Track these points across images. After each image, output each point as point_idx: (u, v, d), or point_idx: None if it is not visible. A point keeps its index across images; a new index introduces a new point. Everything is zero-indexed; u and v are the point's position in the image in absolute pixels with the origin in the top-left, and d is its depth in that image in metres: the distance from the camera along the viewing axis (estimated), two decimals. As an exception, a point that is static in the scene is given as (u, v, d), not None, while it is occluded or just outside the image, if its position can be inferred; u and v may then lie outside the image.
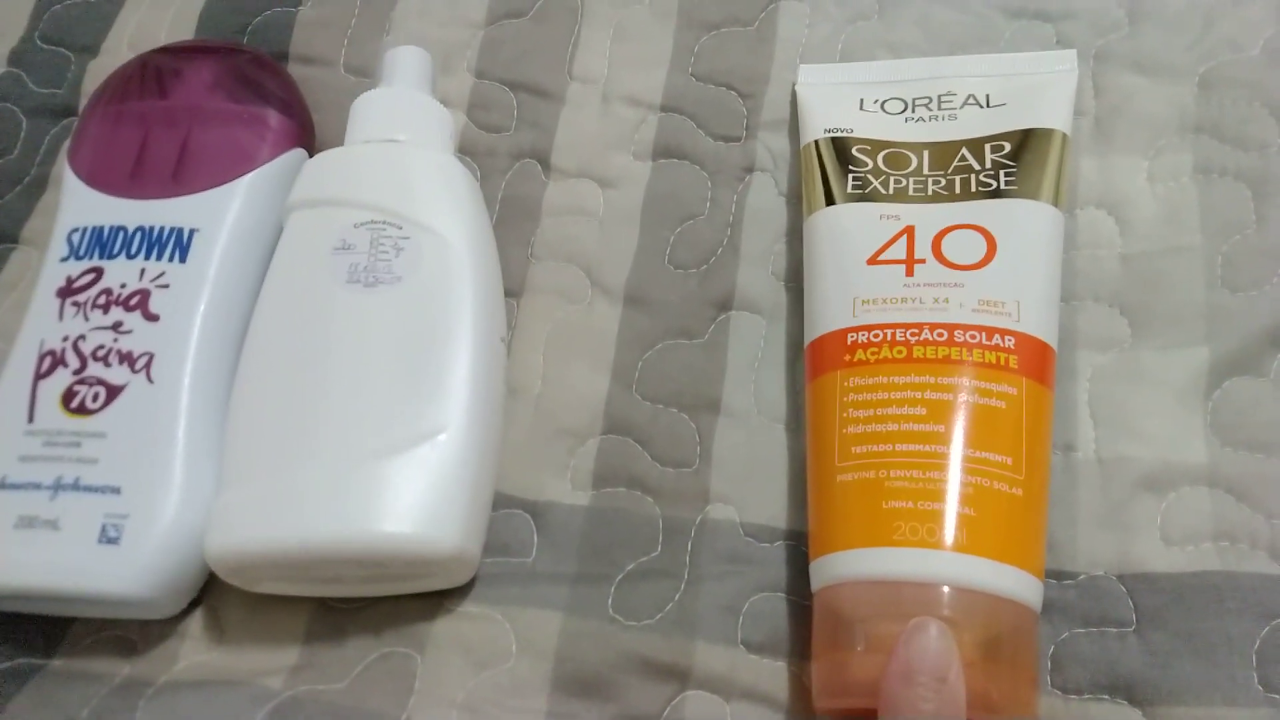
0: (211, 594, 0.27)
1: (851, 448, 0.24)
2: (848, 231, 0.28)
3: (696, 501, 0.27)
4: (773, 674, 0.25)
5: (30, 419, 0.26)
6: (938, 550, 0.23)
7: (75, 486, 0.25)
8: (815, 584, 0.25)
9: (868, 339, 0.25)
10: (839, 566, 0.24)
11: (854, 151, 0.29)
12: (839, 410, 0.25)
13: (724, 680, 0.25)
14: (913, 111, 0.30)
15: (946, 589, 0.22)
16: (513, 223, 0.31)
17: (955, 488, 0.23)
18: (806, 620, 0.25)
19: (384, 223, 0.27)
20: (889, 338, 0.25)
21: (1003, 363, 0.25)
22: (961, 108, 0.29)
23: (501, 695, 0.25)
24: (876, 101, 0.30)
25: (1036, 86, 0.29)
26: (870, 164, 0.29)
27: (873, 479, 0.24)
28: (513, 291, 0.30)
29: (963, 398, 0.24)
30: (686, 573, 0.26)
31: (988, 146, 0.28)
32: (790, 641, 0.25)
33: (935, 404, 0.24)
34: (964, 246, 0.26)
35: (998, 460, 0.24)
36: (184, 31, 0.35)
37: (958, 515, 0.23)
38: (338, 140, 0.30)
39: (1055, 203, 0.27)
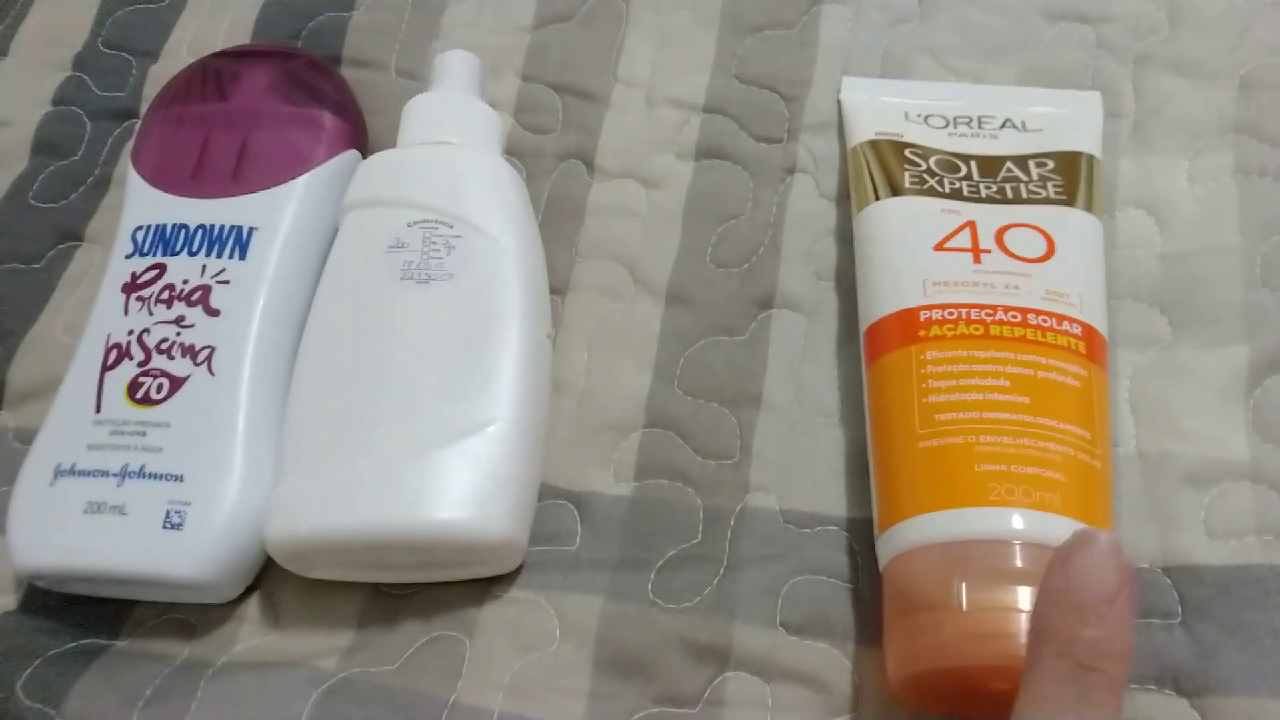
0: (267, 579, 0.28)
1: (934, 415, 0.25)
2: (912, 220, 0.28)
3: (737, 492, 0.28)
4: (812, 654, 0.25)
5: (98, 409, 0.27)
6: (1035, 510, 0.23)
7: (141, 474, 0.26)
8: (889, 553, 0.24)
9: (942, 316, 0.26)
10: (925, 530, 0.24)
11: (907, 153, 0.29)
12: (916, 381, 0.25)
13: (764, 661, 0.25)
14: (954, 128, 0.30)
15: (1040, 548, 0.22)
16: (558, 222, 0.32)
17: (1044, 454, 0.24)
18: (846, 602, 0.26)
19: (436, 222, 0.28)
20: (965, 315, 0.26)
21: (1073, 347, 0.25)
22: (1001, 128, 0.30)
23: (546, 677, 0.25)
24: (920, 115, 0.31)
25: (1067, 117, 0.30)
26: (924, 164, 0.29)
27: (961, 444, 0.24)
28: (558, 289, 0.31)
29: (1042, 374, 0.25)
30: (726, 558, 0.27)
31: (1032, 163, 0.29)
32: (830, 623, 0.26)
33: (1017, 378, 0.25)
34: (1026, 242, 0.27)
35: (1079, 433, 0.24)
36: (240, 36, 0.36)
37: (1050, 479, 0.23)
38: (389, 142, 0.31)
39: (1097, 216, 0.28)
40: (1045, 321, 0.25)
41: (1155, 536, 0.26)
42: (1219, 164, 0.30)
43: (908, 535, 0.24)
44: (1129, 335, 0.28)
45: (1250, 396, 0.27)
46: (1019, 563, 0.23)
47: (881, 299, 0.27)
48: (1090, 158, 0.29)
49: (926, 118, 0.30)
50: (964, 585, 0.22)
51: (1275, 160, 0.29)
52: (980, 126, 0.30)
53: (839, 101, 0.32)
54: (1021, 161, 0.29)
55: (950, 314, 0.26)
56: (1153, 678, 0.24)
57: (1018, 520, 0.23)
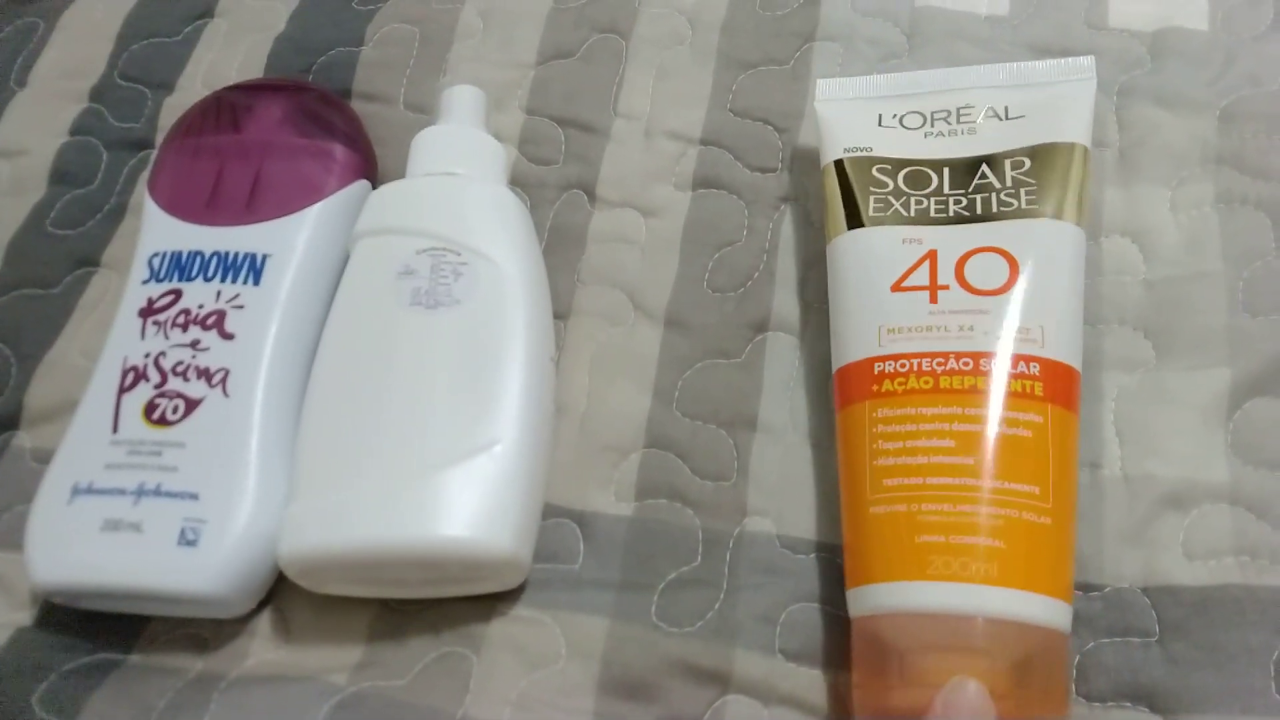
0: (279, 595, 0.28)
1: (883, 480, 0.25)
2: (871, 256, 0.28)
3: (734, 514, 0.29)
4: (809, 681, 0.26)
5: (115, 430, 0.28)
6: (970, 584, 0.23)
7: (157, 492, 0.27)
8: (853, 611, 0.25)
9: (894, 369, 0.26)
10: (876, 598, 0.25)
11: (874, 172, 0.29)
12: (869, 441, 0.26)
13: (762, 686, 0.26)
14: (931, 125, 0.30)
15: (979, 621, 0.23)
16: (561, 250, 0.33)
17: (985, 521, 0.24)
18: (841, 630, 0.27)
19: (444, 249, 0.29)
20: (915, 367, 0.26)
21: (1029, 390, 0.25)
22: (980, 120, 0.29)
23: (552, 695, 0.26)
24: (895, 116, 0.30)
25: (1055, 98, 0.29)
26: (891, 184, 0.29)
27: (904, 513, 0.24)
28: (560, 314, 0.32)
29: (990, 429, 0.25)
30: (725, 583, 0.28)
31: (1008, 163, 0.28)
32: (826, 651, 0.27)
33: (963, 435, 0.25)
34: (987, 271, 0.27)
35: (1026, 490, 0.24)
36: (254, 70, 0.37)
37: (989, 548, 0.24)
38: (398, 173, 0.32)
39: (1077, 220, 0.27)
40: (999, 366, 0.25)
41: (1137, 558, 0.27)
42: (1201, 193, 0.31)
43: (862, 601, 0.25)
44: (1115, 358, 0.29)
45: (1231, 419, 0.28)
46: (956, 636, 0.23)
47: (845, 345, 0.28)
48: (1072, 147, 0.28)
49: (902, 118, 0.30)
50: (904, 657, 0.24)
51: (1256, 190, 0.30)
52: (959, 120, 0.29)
53: (814, 108, 0.31)
54: (998, 163, 0.28)
55: (903, 366, 0.26)
56: (1129, 695, 0.25)
57: (954, 594, 0.24)
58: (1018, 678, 0.23)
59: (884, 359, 0.26)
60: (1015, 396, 0.25)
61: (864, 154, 0.30)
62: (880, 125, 0.30)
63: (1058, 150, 0.28)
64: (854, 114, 0.31)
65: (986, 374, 0.25)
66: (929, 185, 0.29)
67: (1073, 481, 0.25)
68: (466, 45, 0.36)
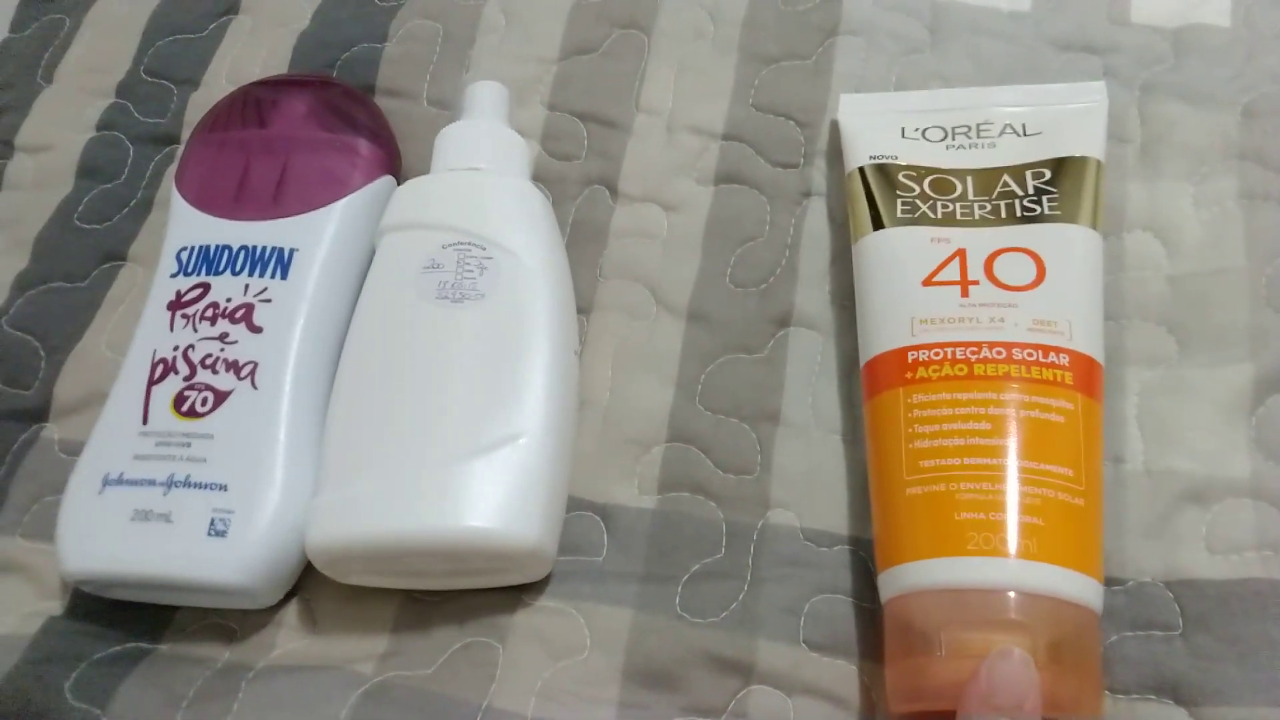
0: (306, 586, 0.29)
1: (919, 462, 0.25)
2: (901, 253, 0.29)
3: (757, 507, 0.29)
4: (834, 671, 0.26)
5: (145, 421, 0.28)
6: (1008, 559, 0.24)
7: (186, 483, 0.27)
8: (885, 593, 0.26)
9: (929, 357, 0.26)
10: (912, 576, 0.25)
11: (900, 177, 0.30)
12: (904, 426, 0.26)
13: (786, 676, 0.26)
14: (953, 139, 0.31)
15: (1018, 595, 0.24)
16: (583, 244, 0.33)
17: (1023, 499, 0.24)
18: (865, 621, 0.27)
19: (469, 244, 0.29)
20: (950, 355, 0.26)
21: (1059, 379, 0.26)
22: (1000, 135, 0.30)
23: (577, 685, 0.26)
24: (917, 129, 0.31)
25: (1070, 115, 0.30)
26: (917, 189, 0.30)
27: (943, 492, 0.25)
28: (583, 308, 0.32)
29: (1024, 413, 0.25)
30: (749, 574, 0.28)
31: (1029, 173, 0.29)
32: (850, 641, 0.27)
33: (998, 419, 0.25)
34: (1015, 268, 0.27)
35: (1060, 472, 0.25)
36: (278, 66, 0.37)
37: (1026, 525, 0.24)
38: (421, 167, 0.32)
39: (1094, 226, 0.28)
40: (1030, 355, 0.26)
41: (1159, 552, 0.27)
42: (1224, 189, 0.31)
43: (897, 580, 0.25)
44: (1137, 353, 0.29)
45: (1253, 414, 0.28)
46: (995, 611, 0.24)
47: (874, 337, 0.28)
48: (1088, 161, 0.29)
49: (924, 131, 0.31)
50: (943, 632, 0.24)
51: (1278, 185, 0.30)
52: (979, 135, 0.30)
53: (835, 122, 0.32)
54: (1018, 173, 0.29)
55: (936, 354, 0.26)
56: (1152, 687, 0.25)
57: (994, 569, 0.24)
58: (1054, 655, 0.23)
59: (918, 348, 0.27)
60: (1047, 384, 0.26)
61: (890, 160, 0.30)
62: (904, 137, 0.31)
63: (1075, 163, 0.29)
64: (878, 125, 0.32)
65: (1019, 362, 0.26)
66: (954, 191, 0.29)
67: (1100, 468, 0.26)
68: (489, 41, 0.36)
